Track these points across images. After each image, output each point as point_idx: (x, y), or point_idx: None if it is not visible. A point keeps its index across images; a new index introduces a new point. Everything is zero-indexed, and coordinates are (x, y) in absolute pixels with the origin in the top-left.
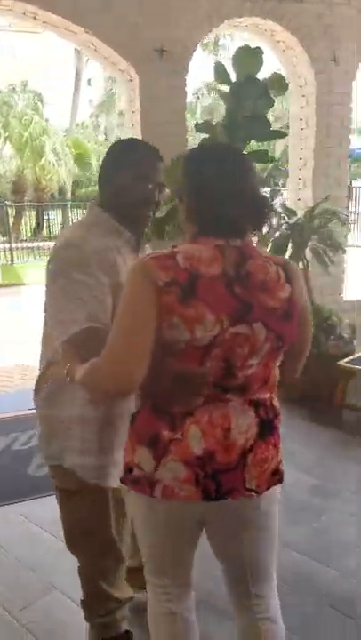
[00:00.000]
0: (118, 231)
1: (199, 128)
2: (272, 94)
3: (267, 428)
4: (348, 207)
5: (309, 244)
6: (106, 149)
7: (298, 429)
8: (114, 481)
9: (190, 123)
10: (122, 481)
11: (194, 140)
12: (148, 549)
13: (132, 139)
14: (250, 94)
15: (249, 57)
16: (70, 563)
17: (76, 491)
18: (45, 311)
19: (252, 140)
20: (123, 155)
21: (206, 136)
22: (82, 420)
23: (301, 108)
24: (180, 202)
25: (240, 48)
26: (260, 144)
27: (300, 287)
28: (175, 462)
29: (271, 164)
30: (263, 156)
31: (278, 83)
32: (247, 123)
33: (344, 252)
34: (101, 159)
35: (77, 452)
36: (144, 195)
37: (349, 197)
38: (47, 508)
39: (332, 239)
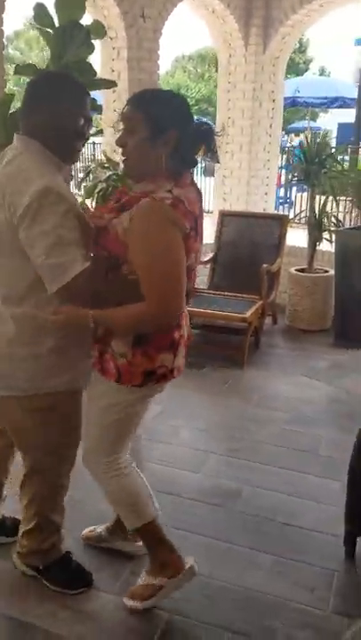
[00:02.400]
0: (59, 166)
1: (20, 70)
2: (92, 38)
3: None
4: None
5: None
6: (33, 80)
7: None
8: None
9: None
10: (142, 384)
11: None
12: (130, 429)
13: (61, 73)
14: (74, 39)
15: (71, 2)
16: None
17: (49, 407)
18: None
19: None
20: (57, 89)
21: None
22: (52, 350)
23: (112, 59)
24: (162, 138)
25: None
26: None
27: None
28: (181, 349)
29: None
30: (93, 105)
31: (97, 29)
32: (75, 69)
33: None
34: (29, 89)
35: (48, 375)
36: (78, 130)
37: None
38: None
39: None
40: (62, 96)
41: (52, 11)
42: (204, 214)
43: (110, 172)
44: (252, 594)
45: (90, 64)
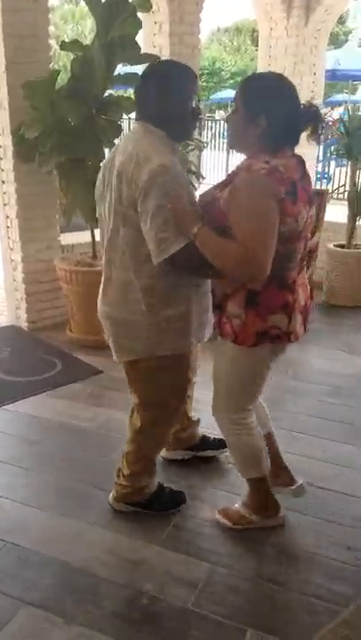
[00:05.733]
0: (174, 149)
1: (66, 47)
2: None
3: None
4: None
5: None
6: (147, 72)
7: None
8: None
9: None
10: (255, 344)
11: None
12: (253, 388)
13: (172, 61)
14: (119, 14)
15: None
16: (7, 473)
17: (164, 368)
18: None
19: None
20: (174, 77)
21: (75, 55)
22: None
23: (154, 34)
24: (254, 121)
25: None
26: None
27: None
28: (297, 314)
29: None
30: (135, 80)
31: (143, 3)
32: (120, 44)
33: (204, 178)
34: (146, 81)
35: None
36: (196, 111)
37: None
38: None
39: (190, 166)
40: (181, 82)
41: None
42: None
43: None
44: (292, 549)
45: (135, 40)
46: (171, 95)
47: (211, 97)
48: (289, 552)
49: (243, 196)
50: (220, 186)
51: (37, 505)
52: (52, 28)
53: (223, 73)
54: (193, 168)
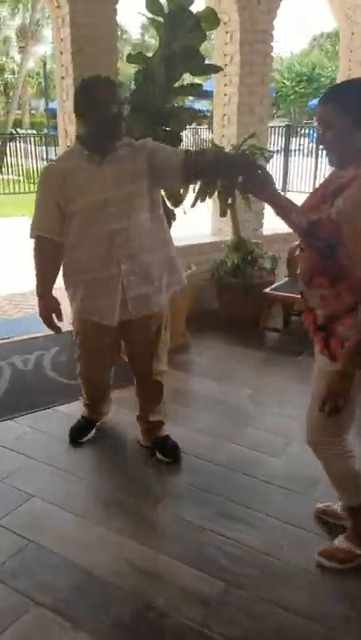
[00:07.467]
0: (81, 152)
1: (131, 59)
2: (204, 28)
3: None
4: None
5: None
6: (75, 89)
7: (230, 351)
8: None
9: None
10: None
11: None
12: (349, 414)
13: (91, 77)
14: (183, 26)
15: None
16: (43, 473)
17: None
18: None
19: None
20: (86, 93)
21: (139, 67)
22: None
23: (225, 44)
24: (358, 127)
25: None
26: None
27: None
28: None
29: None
30: (198, 91)
31: (210, 17)
32: (183, 55)
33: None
34: (73, 98)
35: None
36: (111, 117)
37: None
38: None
39: None
40: (90, 101)
41: None
42: None
43: None
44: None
45: (198, 51)
46: (81, 111)
47: (309, 103)
48: (320, 583)
49: None
50: (327, 199)
51: (67, 507)
52: (152, 40)
53: (323, 79)
54: None
